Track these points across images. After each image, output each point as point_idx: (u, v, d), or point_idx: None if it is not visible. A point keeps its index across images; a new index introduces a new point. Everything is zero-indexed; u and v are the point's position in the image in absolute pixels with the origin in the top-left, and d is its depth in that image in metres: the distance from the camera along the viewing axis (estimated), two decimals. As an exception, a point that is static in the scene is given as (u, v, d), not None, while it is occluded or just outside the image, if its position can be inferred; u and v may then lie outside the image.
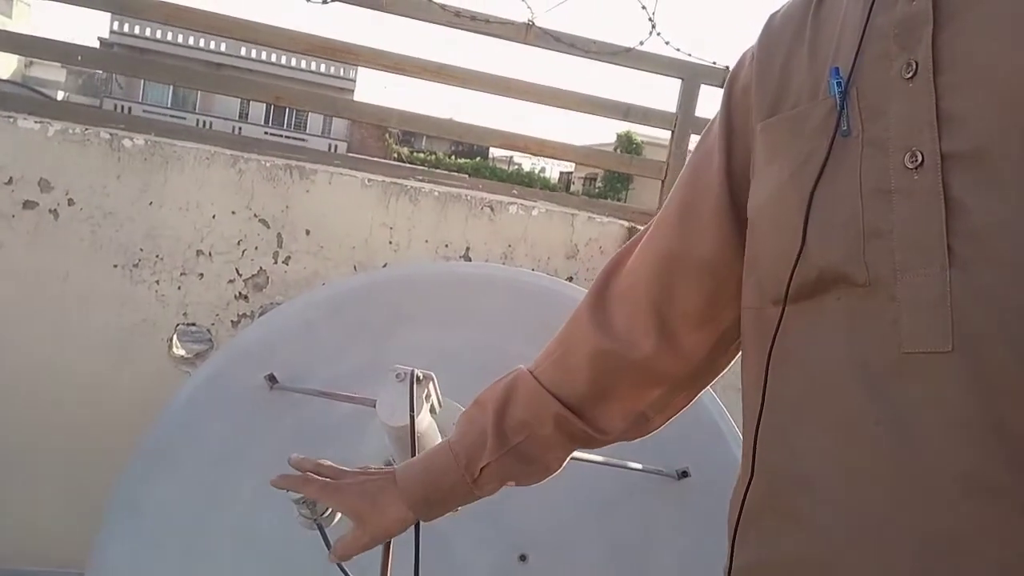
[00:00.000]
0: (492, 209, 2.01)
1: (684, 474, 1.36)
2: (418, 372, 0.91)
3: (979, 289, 0.49)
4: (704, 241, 0.70)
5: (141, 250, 1.79)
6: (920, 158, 0.52)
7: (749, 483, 0.63)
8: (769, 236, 0.63)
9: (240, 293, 1.86)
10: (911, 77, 0.53)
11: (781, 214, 0.60)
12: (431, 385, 0.93)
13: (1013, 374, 0.47)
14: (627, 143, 23.15)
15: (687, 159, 0.76)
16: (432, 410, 0.96)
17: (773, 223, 0.62)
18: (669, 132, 2.28)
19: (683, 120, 2.22)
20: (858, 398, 0.53)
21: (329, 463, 0.82)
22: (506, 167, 28.71)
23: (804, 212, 0.57)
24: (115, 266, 1.79)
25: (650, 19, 2.06)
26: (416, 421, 0.89)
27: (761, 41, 0.69)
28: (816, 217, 0.57)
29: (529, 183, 23.84)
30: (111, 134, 1.77)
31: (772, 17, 0.70)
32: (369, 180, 1.94)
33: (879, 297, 0.53)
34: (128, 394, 1.77)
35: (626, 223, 2.13)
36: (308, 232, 1.89)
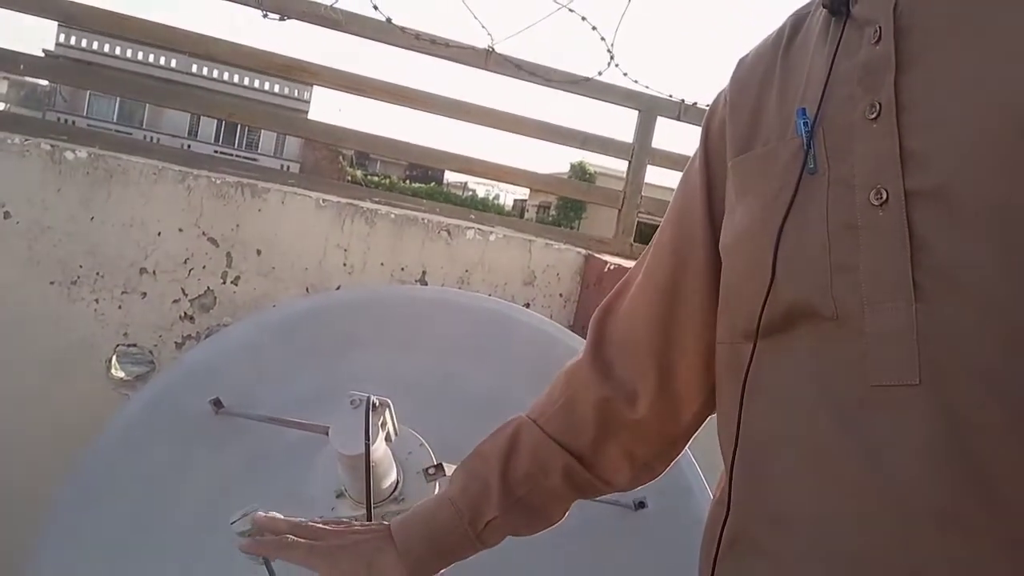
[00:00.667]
0: (449, 233, 1.99)
1: (641, 504, 1.34)
2: (374, 399, 0.88)
3: (945, 323, 0.49)
4: (696, 285, 0.70)
5: (80, 267, 1.72)
6: (885, 195, 0.53)
7: (725, 519, 0.62)
8: (740, 272, 0.64)
9: (185, 314, 1.79)
10: (875, 118, 0.54)
11: (751, 250, 0.61)
12: (387, 412, 0.90)
13: (981, 408, 0.47)
14: (580, 173, 23.46)
15: (673, 197, 0.77)
16: (388, 438, 0.93)
17: (744, 259, 0.63)
18: (624, 162, 2.31)
19: (640, 150, 2.24)
20: (829, 432, 0.54)
21: (305, 521, 0.76)
22: (460, 193, 28.78)
23: (773, 248, 0.58)
24: (52, 283, 1.70)
25: (609, 50, 2.09)
26: (371, 449, 0.86)
27: (733, 82, 0.71)
28: (785, 253, 0.58)
29: (484, 210, 23.91)
30: (52, 145, 1.70)
31: (743, 59, 0.72)
32: (324, 200, 1.90)
33: (847, 331, 0.54)
34: (63, 417, 1.68)
35: (583, 250, 2.13)
36: (259, 252, 1.84)
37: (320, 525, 0.76)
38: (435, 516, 0.75)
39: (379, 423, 0.89)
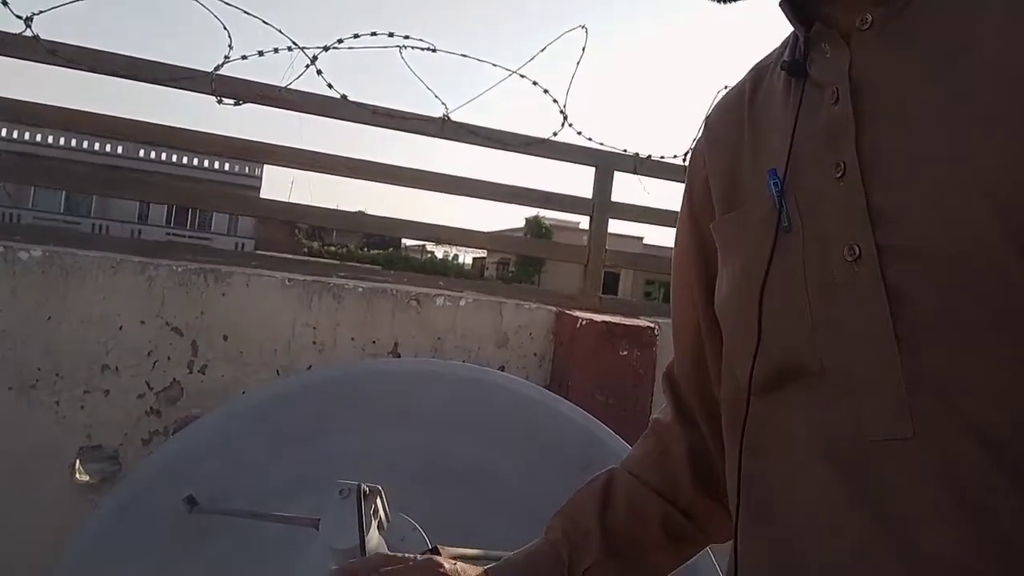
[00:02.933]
0: (418, 302, 1.98)
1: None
2: (364, 486, 0.85)
3: (930, 374, 0.50)
4: (712, 347, 0.72)
5: (39, 369, 1.65)
6: (858, 251, 0.54)
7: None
8: (731, 331, 0.65)
9: (151, 408, 1.72)
10: (841, 176, 0.56)
11: (738, 309, 0.62)
12: (379, 499, 0.87)
13: (979, 459, 0.47)
14: (536, 227, 23.74)
15: (673, 257, 0.79)
16: (380, 526, 0.89)
17: (732, 318, 0.64)
18: (580, 216, 2.33)
19: (600, 205, 2.27)
20: (833, 485, 0.53)
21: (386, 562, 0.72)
22: (419, 256, 28.81)
23: (757, 306, 0.59)
24: (9, 388, 1.63)
25: (562, 111, 2.13)
26: (365, 540, 0.82)
27: (707, 142, 0.73)
28: (768, 310, 0.59)
29: (444, 271, 23.97)
30: (4, 247, 1.65)
31: (709, 119, 0.75)
32: (289, 280, 1.87)
33: (837, 387, 0.54)
34: (28, 532, 1.59)
35: (553, 308, 2.13)
36: (226, 338, 1.79)
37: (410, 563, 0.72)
38: (536, 562, 0.73)
39: (371, 512, 0.85)
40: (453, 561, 0.73)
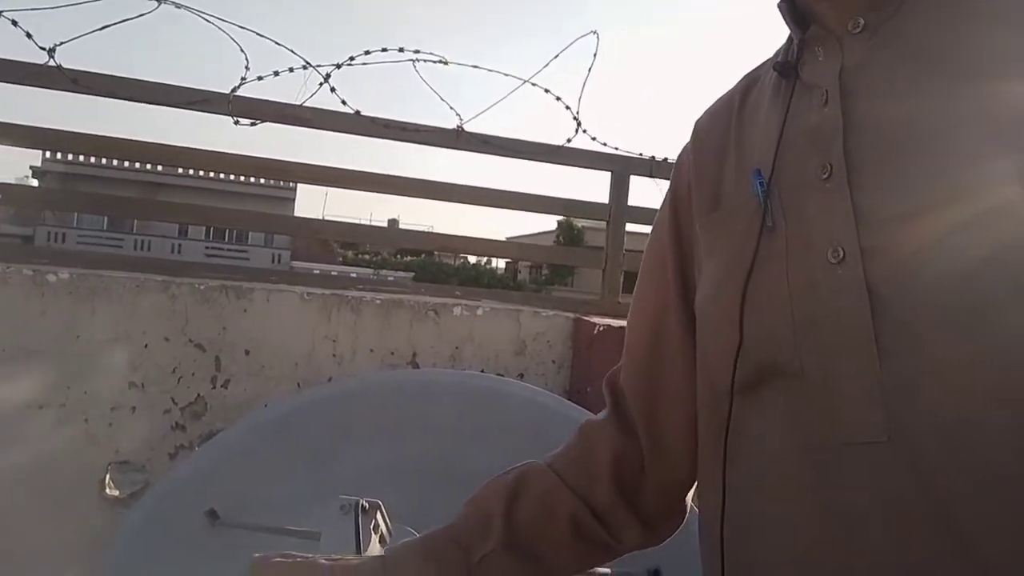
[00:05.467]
0: (436, 312, 1.99)
1: (655, 573, 1.30)
2: (364, 502, 0.86)
3: (908, 379, 0.49)
4: (675, 350, 0.71)
5: (68, 388, 1.70)
6: (842, 253, 0.53)
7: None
8: (712, 331, 0.65)
9: (177, 423, 1.77)
10: (827, 178, 0.56)
11: (720, 309, 0.62)
12: (379, 514, 0.88)
13: (951, 465, 0.47)
14: (568, 230, 23.71)
15: (644, 259, 0.78)
16: (382, 540, 0.90)
17: (715, 318, 0.64)
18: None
19: (617, 210, 2.27)
20: (805, 488, 0.54)
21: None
22: (452, 262, 28.96)
23: (739, 306, 0.59)
24: (40, 407, 1.69)
25: (575, 118, 2.14)
26: (365, 555, 0.84)
27: (694, 145, 0.73)
28: (750, 310, 0.58)
29: (476, 276, 24.05)
30: (34, 270, 1.71)
31: (699, 123, 0.75)
32: (308, 294, 1.91)
33: (815, 388, 0.54)
34: (61, 548, 1.64)
35: (571, 315, 2.13)
36: (247, 352, 1.83)
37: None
38: (433, 546, 0.72)
39: (371, 526, 0.87)
40: (335, 558, 0.70)
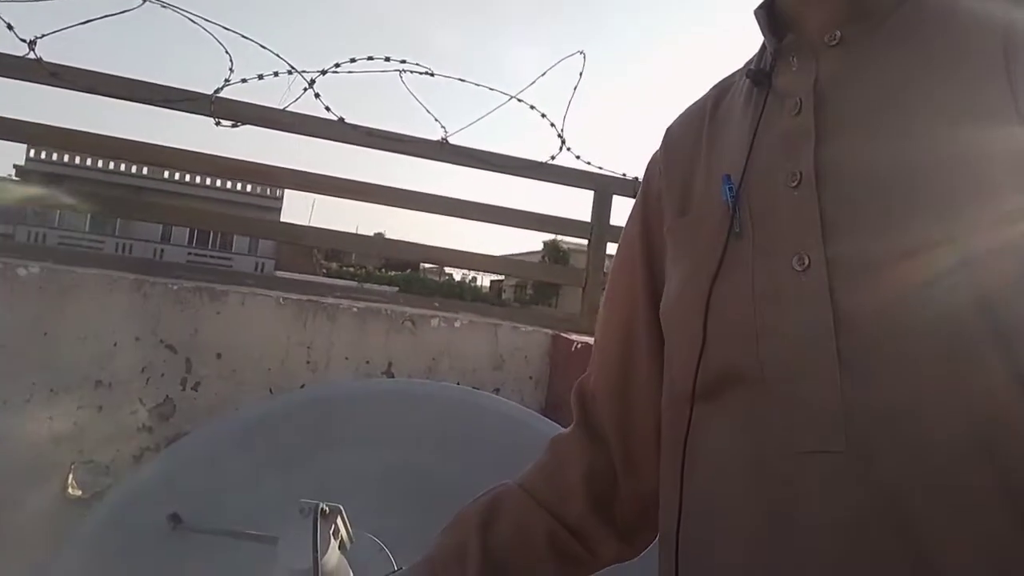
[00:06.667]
0: (414, 323, 1.98)
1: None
2: (324, 506, 0.85)
3: (867, 390, 0.49)
4: (643, 356, 0.71)
5: (33, 384, 1.67)
6: (807, 261, 0.53)
7: None
8: (676, 335, 0.64)
9: (144, 424, 1.74)
10: (796, 186, 0.56)
11: (684, 314, 0.62)
12: (339, 519, 0.87)
13: (904, 476, 0.47)
14: (554, 251, 23.77)
15: (612, 267, 0.78)
16: (342, 546, 0.88)
17: (678, 323, 0.64)
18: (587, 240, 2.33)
19: (598, 229, 2.27)
20: (758, 498, 0.53)
21: None
22: (437, 278, 28.92)
23: (703, 311, 0.59)
24: (4, 402, 1.65)
25: (559, 135, 2.15)
26: (323, 561, 0.82)
27: (665, 151, 0.73)
28: (714, 316, 0.58)
29: (460, 293, 24.02)
30: (4, 263, 1.68)
31: (670, 130, 0.75)
32: (284, 299, 1.89)
33: (774, 396, 0.54)
34: (20, 546, 1.60)
35: (550, 331, 2.12)
36: (219, 355, 1.81)
37: None
38: (410, 572, 0.72)
39: (330, 531, 0.85)
40: None
